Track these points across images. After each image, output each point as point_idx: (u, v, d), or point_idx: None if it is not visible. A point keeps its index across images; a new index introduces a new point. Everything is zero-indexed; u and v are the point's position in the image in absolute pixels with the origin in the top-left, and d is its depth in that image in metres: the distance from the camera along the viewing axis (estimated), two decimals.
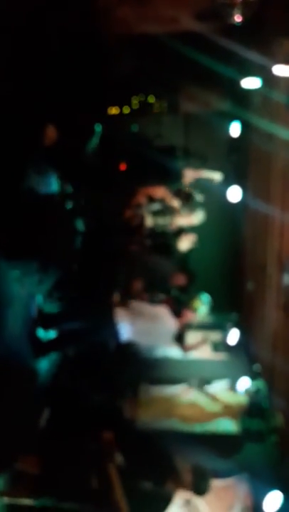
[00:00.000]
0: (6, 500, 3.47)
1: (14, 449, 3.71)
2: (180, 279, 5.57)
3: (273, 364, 5.32)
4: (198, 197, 5.82)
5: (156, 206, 5.40)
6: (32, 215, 4.12)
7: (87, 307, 4.72)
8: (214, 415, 5.00)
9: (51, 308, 4.74)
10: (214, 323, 6.41)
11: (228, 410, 5.05)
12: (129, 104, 6.45)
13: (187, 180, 5.77)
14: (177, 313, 4.91)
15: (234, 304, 6.97)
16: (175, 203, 5.59)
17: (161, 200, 5.46)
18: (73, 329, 4.69)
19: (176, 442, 4.59)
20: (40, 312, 4.65)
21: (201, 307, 5.48)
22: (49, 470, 3.50)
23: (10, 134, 3.89)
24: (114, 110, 6.45)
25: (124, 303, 4.76)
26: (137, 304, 4.89)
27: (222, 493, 4.30)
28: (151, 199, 5.37)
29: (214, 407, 5.08)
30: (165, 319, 4.71)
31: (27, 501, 3.44)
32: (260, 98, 5.48)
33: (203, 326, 6.11)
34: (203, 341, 5.50)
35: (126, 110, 6.47)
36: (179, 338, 5.08)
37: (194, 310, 5.39)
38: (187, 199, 5.71)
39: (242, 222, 6.80)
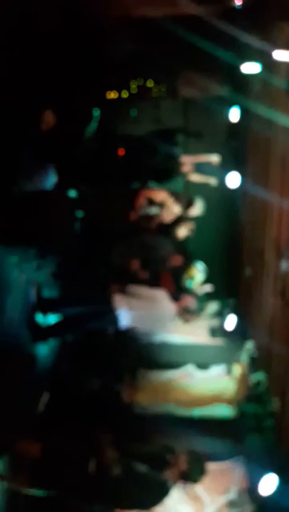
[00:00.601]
0: (6, 485, 3.52)
1: (13, 433, 3.75)
2: (177, 260, 5.56)
3: (270, 349, 5.37)
4: (199, 204, 5.79)
5: (155, 210, 5.37)
6: (30, 200, 4.12)
7: (86, 293, 4.72)
8: (211, 400, 5.04)
9: (50, 294, 4.75)
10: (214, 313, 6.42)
11: (225, 396, 5.10)
12: (128, 89, 6.39)
13: (186, 168, 5.73)
14: (176, 296, 4.89)
15: (232, 290, 7.00)
16: (176, 208, 5.55)
17: (161, 204, 5.43)
18: (72, 315, 4.69)
19: (172, 426, 4.65)
20: (39, 298, 4.66)
21: (198, 275, 5.48)
22: (47, 454, 3.53)
23: (7, 120, 3.86)
24: (112, 94, 6.38)
25: (121, 287, 4.74)
26: (135, 288, 4.87)
27: (218, 476, 4.38)
28: (151, 202, 5.33)
29: (211, 392, 5.12)
30: (163, 303, 4.68)
31: (25, 488, 3.49)
32: (259, 83, 5.43)
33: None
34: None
35: (124, 94, 6.40)
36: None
37: (190, 278, 5.38)
38: (188, 206, 5.67)
39: (240, 208, 6.79)
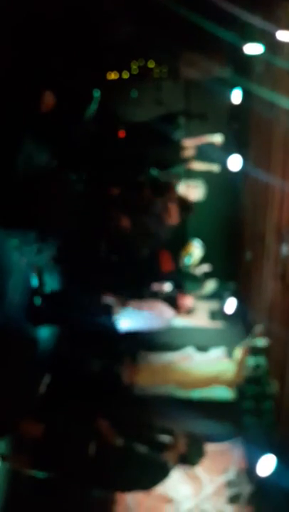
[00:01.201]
0: (8, 465, 3.57)
1: (14, 414, 3.79)
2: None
3: (270, 332, 5.40)
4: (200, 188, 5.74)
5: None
6: (29, 183, 4.09)
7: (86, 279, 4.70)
8: (210, 382, 5.08)
9: (51, 278, 4.75)
10: (212, 292, 6.45)
11: (225, 378, 5.14)
12: (129, 69, 6.30)
13: (189, 152, 5.67)
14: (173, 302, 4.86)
15: (232, 274, 7.01)
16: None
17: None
18: (72, 300, 4.69)
19: (172, 408, 4.70)
20: (40, 282, 4.66)
21: (195, 251, 5.49)
22: (49, 435, 3.58)
23: (6, 101, 3.81)
24: (113, 75, 6.29)
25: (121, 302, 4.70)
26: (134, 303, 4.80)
27: (217, 456, 4.45)
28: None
29: (210, 374, 5.15)
30: (160, 308, 4.64)
31: (27, 469, 3.54)
32: (262, 64, 5.35)
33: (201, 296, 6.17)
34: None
35: (125, 75, 6.31)
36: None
37: (189, 254, 5.38)
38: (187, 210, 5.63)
39: (242, 191, 6.76)
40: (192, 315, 5.64)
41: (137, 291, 4.79)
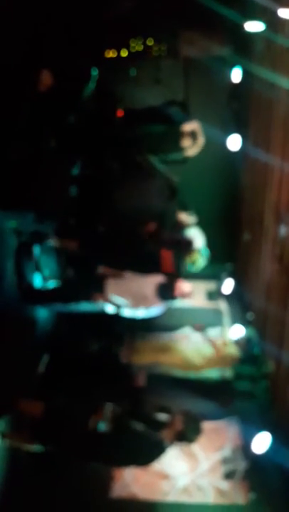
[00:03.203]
0: (7, 442, 3.63)
1: (14, 393, 3.85)
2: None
3: (266, 313, 5.44)
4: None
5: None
6: (27, 164, 4.06)
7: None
8: (207, 363, 5.13)
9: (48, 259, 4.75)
10: (209, 273, 6.46)
11: (221, 358, 5.19)
12: (127, 47, 6.18)
13: (187, 141, 5.60)
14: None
15: (230, 254, 7.02)
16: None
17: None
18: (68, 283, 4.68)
19: (169, 387, 4.77)
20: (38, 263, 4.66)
21: (200, 259, 5.49)
22: (48, 413, 3.64)
23: (3, 80, 3.76)
24: (111, 53, 6.18)
25: (113, 274, 4.64)
26: (126, 278, 4.74)
27: (213, 434, 4.53)
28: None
29: (207, 355, 5.20)
30: (151, 300, 4.59)
31: (27, 446, 3.60)
32: (263, 43, 5.26)
33: (198, 276, 6.16)
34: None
35: (124, 53, 6.20)
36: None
37: (192, 262, 5.39)
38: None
39: (241, 171, 6.72)
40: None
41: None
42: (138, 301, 4.32)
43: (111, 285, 4.35)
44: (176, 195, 5.51)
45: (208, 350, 5.23)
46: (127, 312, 4.41)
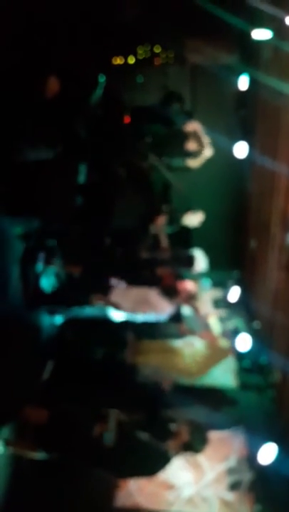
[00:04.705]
0: (11, 450, 3.61)
1: (18, 400, 3.82)
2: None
3: (273, 322, 5.40)
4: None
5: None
6: (33, 169, 4.06)
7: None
8: (207, 360, 5.09)
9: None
10: (216, 280, 6.43)
11: (216, 352, 5.16)
12: (135, 54, 6.20)
13: (189, 127, 5.59)
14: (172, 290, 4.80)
15: (236, 262, 6.99)
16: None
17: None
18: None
19: (175, 395, 4.72)
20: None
21: (199, 292, 5.50)
22: (52, 421, 3.61)
23: (10, 87, 3.77)
24: (118, 60, 6.20)
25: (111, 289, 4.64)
26: (126, 290, 4.73)
27: (219, 444, 4.48)
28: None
29: (204, 352, 5.17)
30: (157, 304, 4.59)
31: (31, 454, 3.58)
32: (270, 50, 5.26)
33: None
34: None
35: (131, 60, 6.22)
36: (176, 318, 5.11)
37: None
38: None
39: (248, 178, 6.70)
40: (195, 302, 5.62)
41: (134, 277, 4.73)
42: (141, 306, 4.30)
43: (114, 291, 4.35)
44: (169, 191, 5.50)
45: (203, 348, 5.18)
46: (130, 317, 4.39)
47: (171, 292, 4.57)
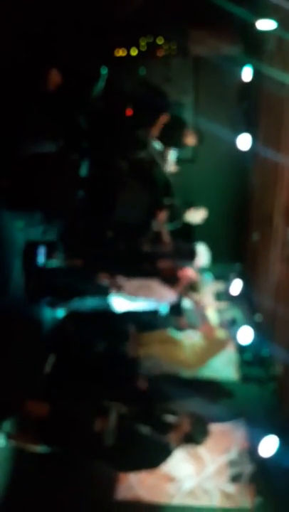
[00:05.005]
0: (13, 443, 3.63)
1: (19, 393, 3.84)
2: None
3: (274, 314, 5.40)
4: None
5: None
6: (35, 163, 4.05)
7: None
8: (205, 352, 5.11)
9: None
10: (218, 273, 6.43)
11: (213, 343, 5.16)
12: (137, 46, 6.14)
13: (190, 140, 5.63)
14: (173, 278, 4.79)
15: (238, 255, 6.98)
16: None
17: None
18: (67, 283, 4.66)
19: (176, 388, 4.74)
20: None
21: (201, 286, 5.49)
22: (54, 414, 3.62)
23: (12, 79, 3.75)
24: (120, 52, 6.14)
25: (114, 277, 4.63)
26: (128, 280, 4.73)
27: (220, 437, 4.49)
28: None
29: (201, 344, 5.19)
30: (159, 290, 4.57)
31: (33, 447, 3.59)
32: (274, 41, 5.19)
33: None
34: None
35: (133, 52, 6.16)
36: (176, 311, 5.11)
37: (194, 289, 5.39)
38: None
39: (251, 171, 6.67)
40: (196, 295, 5.62)
41: (136, 270, 4.73)
42: (143, 291, 4.31)
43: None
44: (170, 188, 5.49)
45: (201, 339, 5.19)
46: (132, 303, 4.38)
47: (171, 279, 4.56)
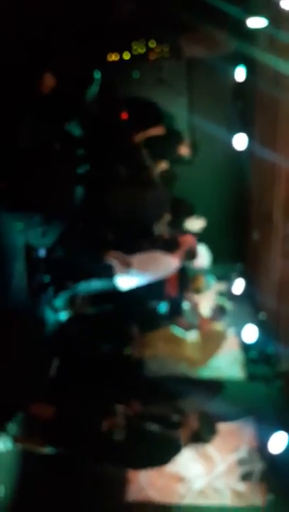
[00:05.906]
0: (18, 445, 3.59)
1: (25, 396, 3.81)
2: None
3: (278, 312, 5.38)
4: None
5: None
6: (32, 165, 4.06)
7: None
8: (208, 349, 5.09)
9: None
10: (219, 274, 6.43)
11: (210, 336, 5.14)
12: (130, 50, 6.19)
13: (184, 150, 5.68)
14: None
15: (239, 254, 6.97)
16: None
17: None
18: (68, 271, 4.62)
19: (183, 387, 4.71)
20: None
21: (204, 287, 5.50)
22: (60, 416, 3.60)
23: (5, 83, 3.77)
24: (113, 56, 6.19)
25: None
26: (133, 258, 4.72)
27: (228, 435, 4.46)
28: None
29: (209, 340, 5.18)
30: (164, 259, 4.54)
31: (38, 449, 3.56)
32: (266, 39, 5.23)
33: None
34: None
35: (126, 56, 6.21)
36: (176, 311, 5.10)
37: (197, 290, 5.40)
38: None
39: (248, 170, 6.68)
40: (200, 295, 5.62)
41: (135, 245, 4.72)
42: (150, 266, 4.29)
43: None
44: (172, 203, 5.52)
45: (201, 336, 5.18)
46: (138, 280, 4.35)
47: (172, 244, 4.54)
